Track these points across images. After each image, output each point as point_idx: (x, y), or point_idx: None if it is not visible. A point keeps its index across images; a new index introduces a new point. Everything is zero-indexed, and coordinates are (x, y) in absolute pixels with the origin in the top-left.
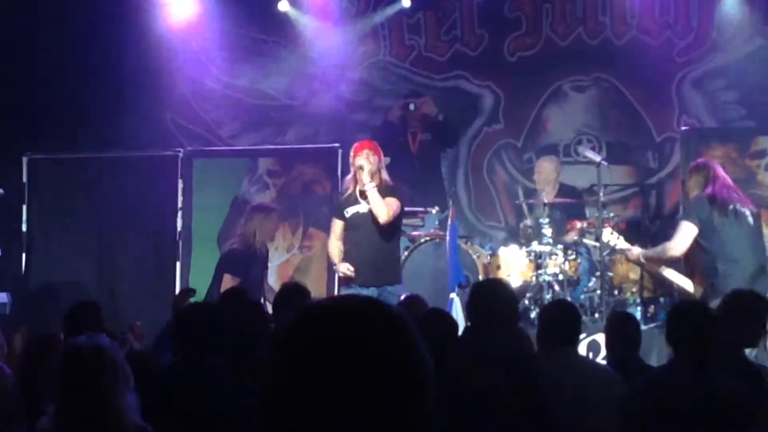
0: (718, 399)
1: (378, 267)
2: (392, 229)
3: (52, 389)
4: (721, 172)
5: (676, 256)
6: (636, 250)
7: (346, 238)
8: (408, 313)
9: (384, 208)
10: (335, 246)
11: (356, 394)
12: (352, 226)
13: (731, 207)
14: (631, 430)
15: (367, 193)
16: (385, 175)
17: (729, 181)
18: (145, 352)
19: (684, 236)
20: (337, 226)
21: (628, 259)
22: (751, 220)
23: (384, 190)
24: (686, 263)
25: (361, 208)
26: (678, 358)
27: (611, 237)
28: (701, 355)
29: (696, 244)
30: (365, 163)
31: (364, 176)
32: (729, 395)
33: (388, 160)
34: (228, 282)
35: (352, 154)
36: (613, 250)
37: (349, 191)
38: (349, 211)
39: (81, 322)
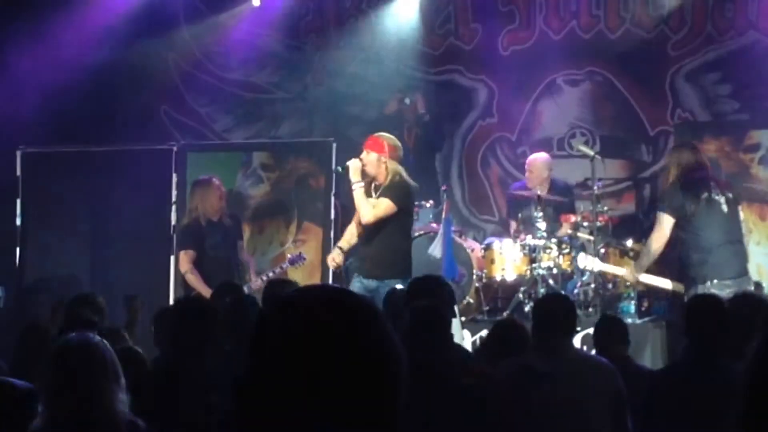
0: (738, 392)
1: (378, 260)
2: (395, 225)
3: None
4: (700, 157)
5: (662, 246)
6: (626, 270)
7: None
8: (394, 304)
9: (366, 208)
10: (349, 229)
11: (326, 384)
12: None
13: (704, 195)
14: (652, 426)
15: (353, 193)
16: (387, 171)
17: (706, 167)
18: (137, 349)
19: (661, 227)
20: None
21: (627, 283)
22: (725, 207)
23: (384, 189)
24: (663, 259)
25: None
26: (696, 352)
27: (587, 261)
28: (720, 347)
29: (673, 235)
30: (355, 162)
31: (351, 175)
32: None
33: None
34: (183, 258)
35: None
36: (602, 276)
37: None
38: None
39: (74, 317)
